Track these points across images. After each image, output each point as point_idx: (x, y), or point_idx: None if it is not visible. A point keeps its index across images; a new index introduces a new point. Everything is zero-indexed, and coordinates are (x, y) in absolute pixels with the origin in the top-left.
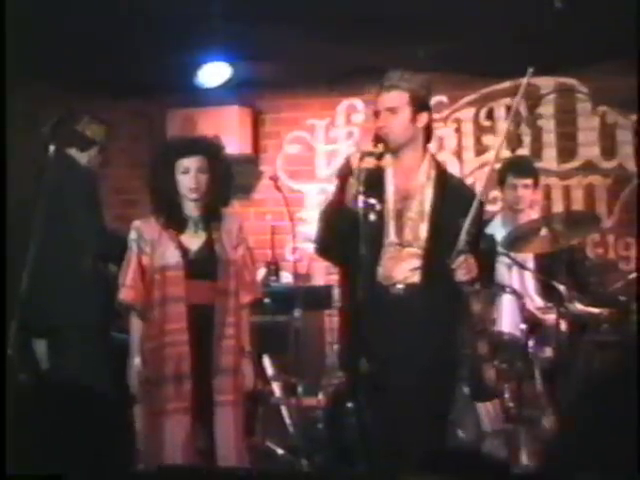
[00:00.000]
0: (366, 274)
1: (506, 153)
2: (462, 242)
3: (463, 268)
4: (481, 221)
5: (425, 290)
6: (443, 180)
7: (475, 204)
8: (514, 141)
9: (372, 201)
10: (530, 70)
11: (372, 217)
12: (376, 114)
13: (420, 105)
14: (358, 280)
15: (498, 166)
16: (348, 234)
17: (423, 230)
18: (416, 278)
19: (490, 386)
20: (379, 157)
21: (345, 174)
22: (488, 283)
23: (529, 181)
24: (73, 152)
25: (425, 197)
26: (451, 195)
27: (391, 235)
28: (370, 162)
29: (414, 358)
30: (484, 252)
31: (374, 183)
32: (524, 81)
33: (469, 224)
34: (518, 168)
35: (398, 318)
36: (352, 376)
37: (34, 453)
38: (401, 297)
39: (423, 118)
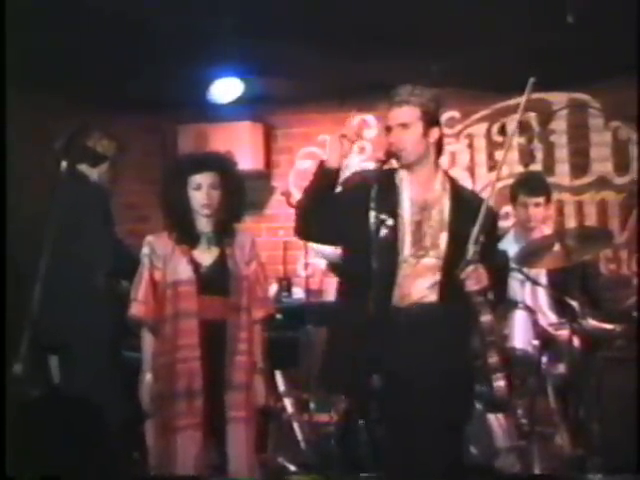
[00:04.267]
0: (380, 292)
1: (519, 169)
2: (471, 251)
3: (472, 278)
4: (494, 230)
5: (442, 306)
6: (456, 192)
7: (482, 212)
8: (526, 156)
9: (384, 217)
10: (532, 80)
11: (385, 234)
12: (387, 129)
13: (431, 120)
14: (372, 297)
15: (510, 182)
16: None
17: (443, 239)
18: (433, 296)
19: (500, 397)
20: (391, 173)
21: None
22: (501, 299)
23: (540, 199)
24: (84, 168)
25: (444, 206)
26: (464, 206)
27: (406, 250)
28: (382, 178)
29: (429, 374)
30: (497, 267)
31: (386, 199)
32: (526, 91)
33: (477, 233)
34: (529, 186)
35: (415, 335)
36: (364, 392)
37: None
38: (418, 315)
39: (434, 133)
